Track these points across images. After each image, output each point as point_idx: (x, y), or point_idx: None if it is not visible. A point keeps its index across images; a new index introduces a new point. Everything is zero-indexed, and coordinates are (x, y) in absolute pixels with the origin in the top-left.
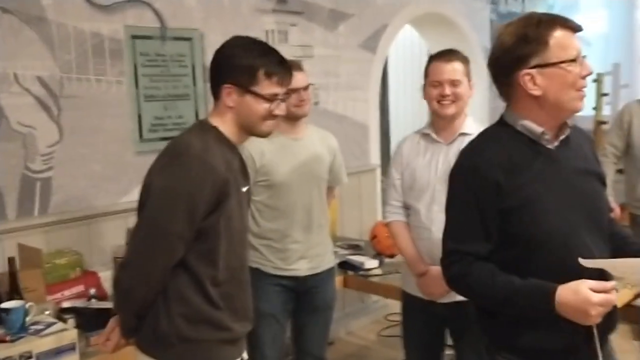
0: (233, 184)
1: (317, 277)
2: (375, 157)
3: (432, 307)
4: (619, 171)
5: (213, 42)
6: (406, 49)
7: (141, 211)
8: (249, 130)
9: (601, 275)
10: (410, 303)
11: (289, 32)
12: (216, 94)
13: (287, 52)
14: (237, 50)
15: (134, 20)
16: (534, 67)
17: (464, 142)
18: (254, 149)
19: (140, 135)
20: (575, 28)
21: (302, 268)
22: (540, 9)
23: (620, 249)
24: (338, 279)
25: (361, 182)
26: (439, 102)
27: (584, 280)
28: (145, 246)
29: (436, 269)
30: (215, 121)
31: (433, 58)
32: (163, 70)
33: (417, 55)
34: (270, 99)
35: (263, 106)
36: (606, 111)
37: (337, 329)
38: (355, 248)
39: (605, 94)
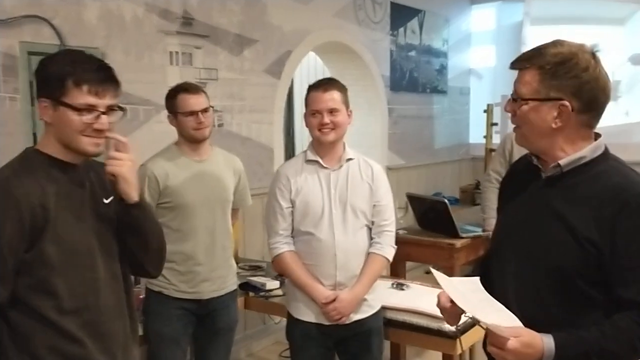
0: (59, 206)
1: (220, 300)
2: None
3: (330, 330)
4: None
5: (115, 62)
6: (311, 74)
7: None
8: (70, 147)
9: None
10: (303, 330)
11: (193, 54)
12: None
13: (191, 74)
14: (47, 60)
15: (31, 36)
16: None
17: (350, 168)
18: (158, 169)
19: None
20: None
21: (205, 290)
22: (436, 43)
23: None
24: (239, 301)
25: (264, 203)
26: (319, 130)
27: None
28: None
29: (346, 293)
30: (42, 143)
31: (311, 88)
32: None
33: None
34: (83, 109)
35: (76, 118)
36: (495, 139)
37: (238, 350)
38: (257, 269)
39: (495, 124)
